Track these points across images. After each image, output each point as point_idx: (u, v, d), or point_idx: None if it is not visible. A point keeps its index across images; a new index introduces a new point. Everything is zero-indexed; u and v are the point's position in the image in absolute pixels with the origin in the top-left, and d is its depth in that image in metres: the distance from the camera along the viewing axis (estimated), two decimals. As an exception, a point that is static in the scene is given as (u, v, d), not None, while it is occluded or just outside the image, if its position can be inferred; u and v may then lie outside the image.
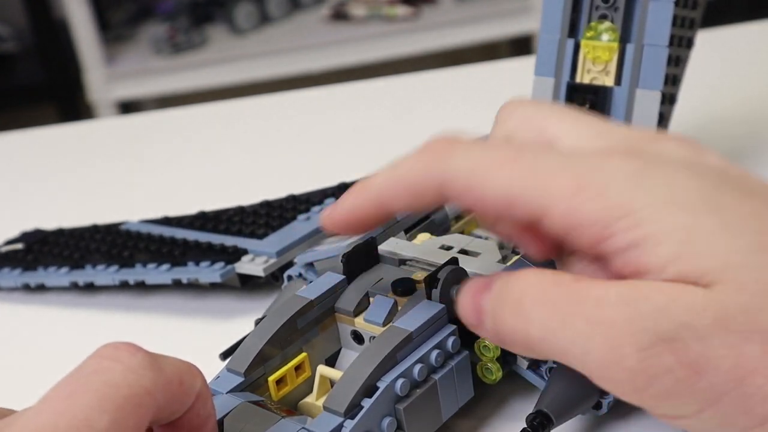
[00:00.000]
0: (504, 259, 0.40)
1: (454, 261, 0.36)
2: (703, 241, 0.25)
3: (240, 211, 0.54)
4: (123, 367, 0.26)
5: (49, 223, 0.61)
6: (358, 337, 0.38)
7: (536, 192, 0.27)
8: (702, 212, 0.26)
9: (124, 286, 0.51)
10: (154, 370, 0.26)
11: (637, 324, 0.25)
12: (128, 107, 1.95)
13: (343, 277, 0.38)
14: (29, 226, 0.61)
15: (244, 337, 0.37)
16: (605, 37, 0.45)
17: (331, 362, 0.38)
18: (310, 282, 0.41)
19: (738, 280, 0.25)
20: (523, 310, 0.28)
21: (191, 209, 0.56)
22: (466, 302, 0.31)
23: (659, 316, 0.25)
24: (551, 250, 0.31)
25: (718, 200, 0.26)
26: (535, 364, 0.36)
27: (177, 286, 0.51)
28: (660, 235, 0.26)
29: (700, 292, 0.25)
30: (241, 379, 0.35)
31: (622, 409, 0.37)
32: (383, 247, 0.41)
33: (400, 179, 0.31)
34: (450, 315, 0.35)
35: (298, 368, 0.37)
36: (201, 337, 0.48)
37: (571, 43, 0.46)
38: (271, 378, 0.35)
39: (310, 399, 0.36)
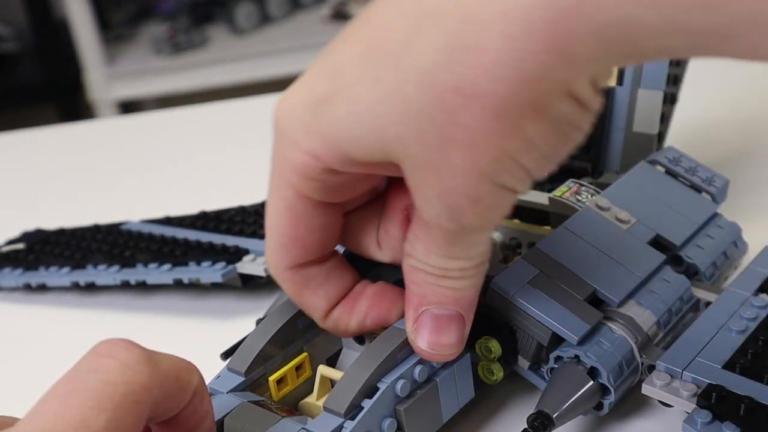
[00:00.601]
0: (505, 260, 0.40)
1: (454, 261, 0.36)
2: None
3: (241, 211, 0.54)
4: (119, 364, 0.26)
5: (50, 223, 0.61)
6: (358, 338, 0.38)
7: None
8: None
9: (125, 286, 0.51)
10: (150, 366, 0.26)
11: None
12: (128, 107, 1.95)
13: None
14: (30, 226, 0.61)
15: (246, 337, 0.37)
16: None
17: (333, 362, 0.38)
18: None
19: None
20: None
21: (192, 209, 0.56)
22: (438, 333, 0.33)
23: None
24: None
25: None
26: (536, 365, 0.36)
27: (178, 286, 0.51)
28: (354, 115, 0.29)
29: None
30: (241, 379, 0.35)
31: (623, 410, 0.37)
32: (384, 248, 0.41)
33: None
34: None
35: (298, 368, 0.37)
36: (202, 337, 0.48)
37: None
38: (272, 378, 0.36)
39: (310, 399, 0.36)
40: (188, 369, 0.28)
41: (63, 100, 2.02)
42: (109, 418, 0.25)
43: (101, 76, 1.84)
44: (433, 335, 0.33)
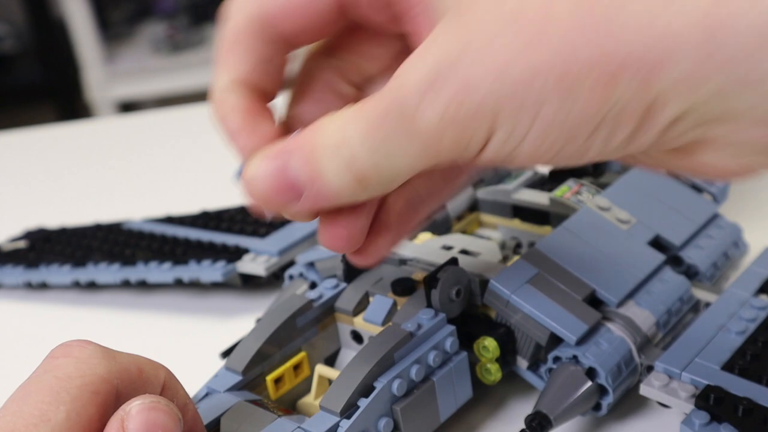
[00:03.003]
0: (505, 259, 0.41)
1: (453, 261, 0.36)
2: None
3: (242, 210, 0.54)
4: (74, 360, 0.27)
5: (52, 222, 0.61)
6: (357, 337, 0.38)
7: None
8: None
9: (125, 284, 0.52)
10: (106, 359, 0.27)
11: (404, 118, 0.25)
12: (127, 106, 1.95)
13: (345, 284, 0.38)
14: (32, 224, 0.61)
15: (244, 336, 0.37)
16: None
17: (331, 362, 0.38)
18: (311, 281, 0.42)
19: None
20: (346, 150, 0.26)
21: (193, 208, 0.56)
22: (269, 182, 0.27)
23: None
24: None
25: None
26: (534, 365, 0.37)
27: (178, 285, 0.51)
28: None
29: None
30: (239, 378, 0.35)
31: (621, 410, 0.37)
32: (384, 247, 0.41)
33: None
34: (449, 316, 0.35)
35: (296, 367, 0.36)
36: (202, 335, 0.48)
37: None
38: (270, 377, 0.36)
39: (308, 398, 0.36)
40: (152, 364, 0.29)
41: (62, 99, 2.02)
42: (68, 410, 0.25)
43: (100, 76, 1.84)
44: (267, 169, 0.28)
